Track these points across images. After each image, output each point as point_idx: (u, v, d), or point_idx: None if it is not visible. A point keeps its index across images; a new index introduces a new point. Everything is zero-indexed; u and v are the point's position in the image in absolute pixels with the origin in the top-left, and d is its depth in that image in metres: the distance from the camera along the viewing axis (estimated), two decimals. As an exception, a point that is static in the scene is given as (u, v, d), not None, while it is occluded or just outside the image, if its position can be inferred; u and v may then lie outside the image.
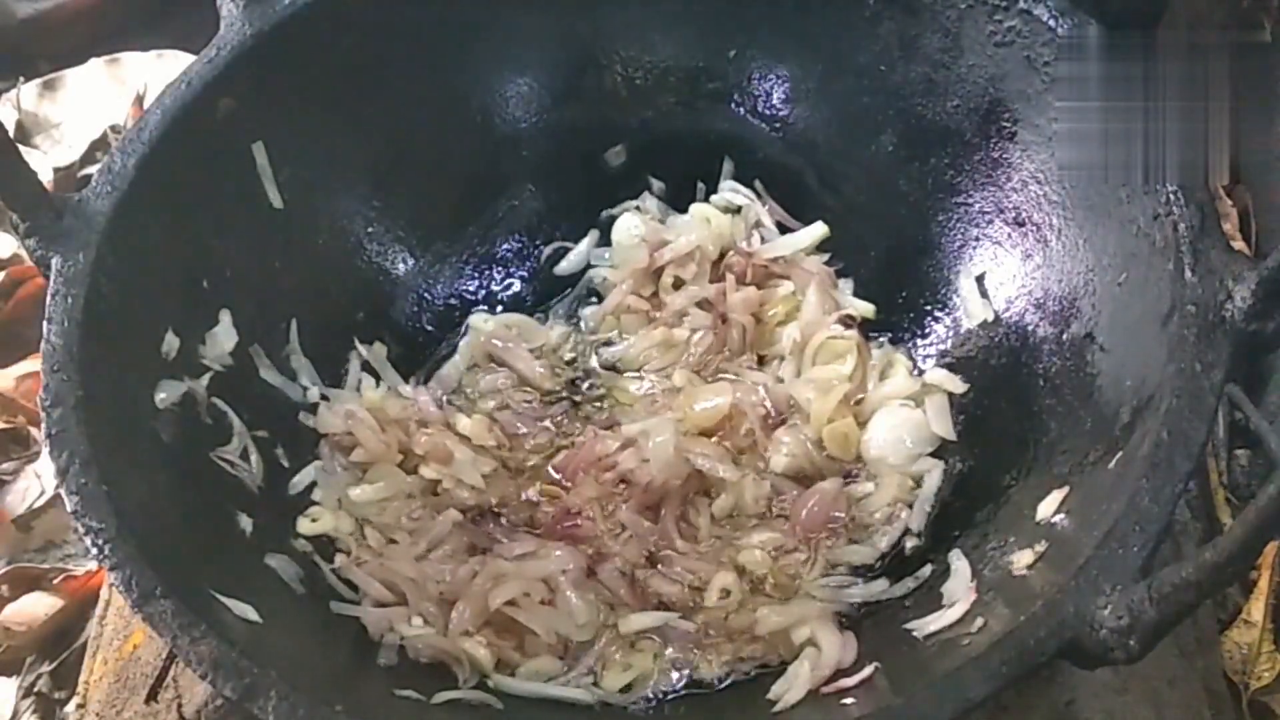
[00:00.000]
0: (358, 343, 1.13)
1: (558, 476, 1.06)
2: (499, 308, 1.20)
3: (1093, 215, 0.98)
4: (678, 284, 1.15)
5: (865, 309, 1.14)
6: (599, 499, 1.02)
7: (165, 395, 0.95)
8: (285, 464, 1.04)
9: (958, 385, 1.07)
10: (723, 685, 0.94)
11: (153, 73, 1.66)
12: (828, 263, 1.17)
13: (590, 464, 1.04)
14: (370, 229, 1.16)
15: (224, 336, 1.03)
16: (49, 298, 0.90)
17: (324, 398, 1.09)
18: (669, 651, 0.95)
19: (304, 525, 1.01)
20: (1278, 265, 0.81)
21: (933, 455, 1.05)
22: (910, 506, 1.03)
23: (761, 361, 1.13)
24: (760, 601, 0.97)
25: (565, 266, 1.21)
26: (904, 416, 1.07)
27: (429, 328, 1.18)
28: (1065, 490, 0.89)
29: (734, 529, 1.02)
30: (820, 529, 1.01)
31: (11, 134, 1.04)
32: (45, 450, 0.84)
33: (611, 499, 1.02)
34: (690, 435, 1.04)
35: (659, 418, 1.05)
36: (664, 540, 1.00)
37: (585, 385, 1.14)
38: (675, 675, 0.94)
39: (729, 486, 1.02)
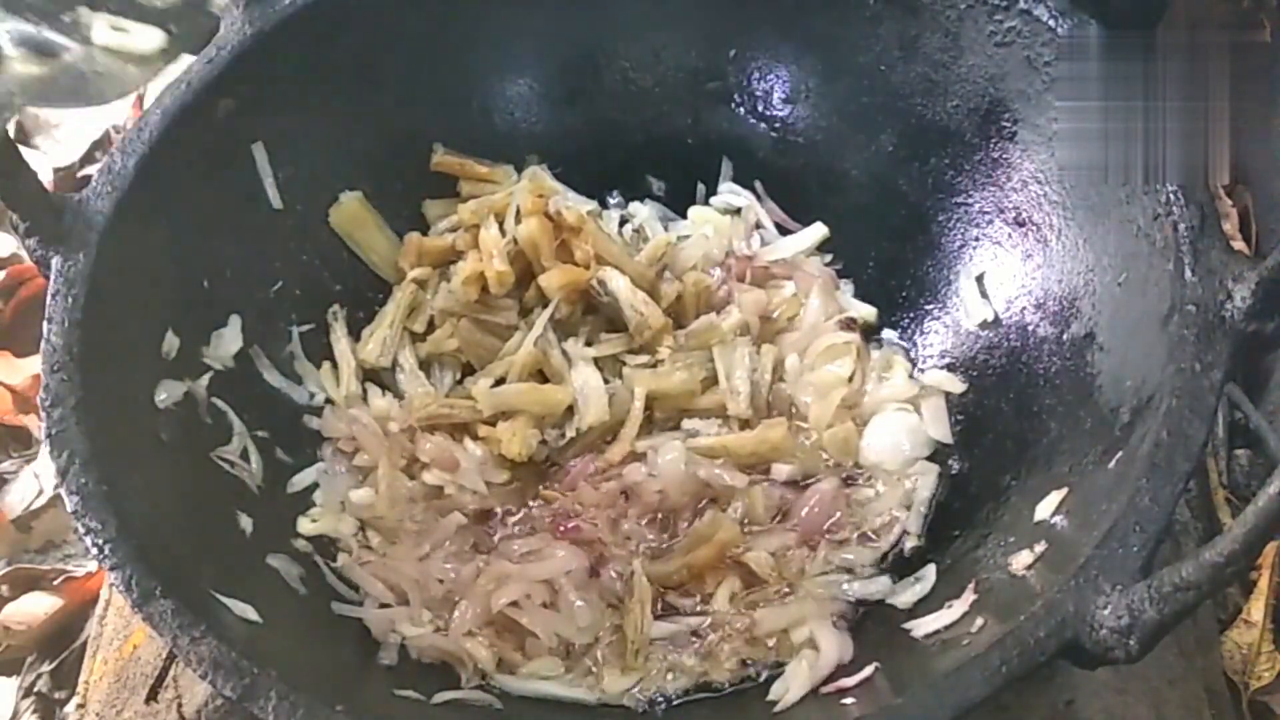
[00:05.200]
0: (357, 344, 1.12)
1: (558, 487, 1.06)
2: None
3: (1093, 215, 0.98)
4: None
5: (867, 312, 1.14)
6: (601, 507, 1.02)
7: (165, 395, 0.95)
8: (286, 464, 1.04)
9: (957, 385, 1.07)
10: (729, 689, 0.94)
11: (153, 73, 1.66)
12: (828, 263, 1.17)
13: (589, 475, 1.04)
14: (370, 229, 1.16)
15: (230, 338, 1.03)
16: (49, 298, 0.90)
17: (329, 401, 1.09)
18: (676, 657, 0.95)
19: (304, 525, 1.01)
20: (1278, 265, 0.81)
21: (931, 458, 1.06)
22: (908, 509, 1.03)
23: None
24: (761, 600, 0.98)
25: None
26: (901, 421, 1.07)
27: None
28: (1065, 491, 0.89)
29: (745, 535, 1.02)
30: (820, 530, 1.01)
31: (12, 134, 1.04)
32: (45, 450, 0.84)
33: (615, 509, 1.02)
34: (699, 451, 1.04)
35: (666, 435, 1.06)
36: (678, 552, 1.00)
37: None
38: (683, 680, 0.94)
39: (738, 495, 1.02)
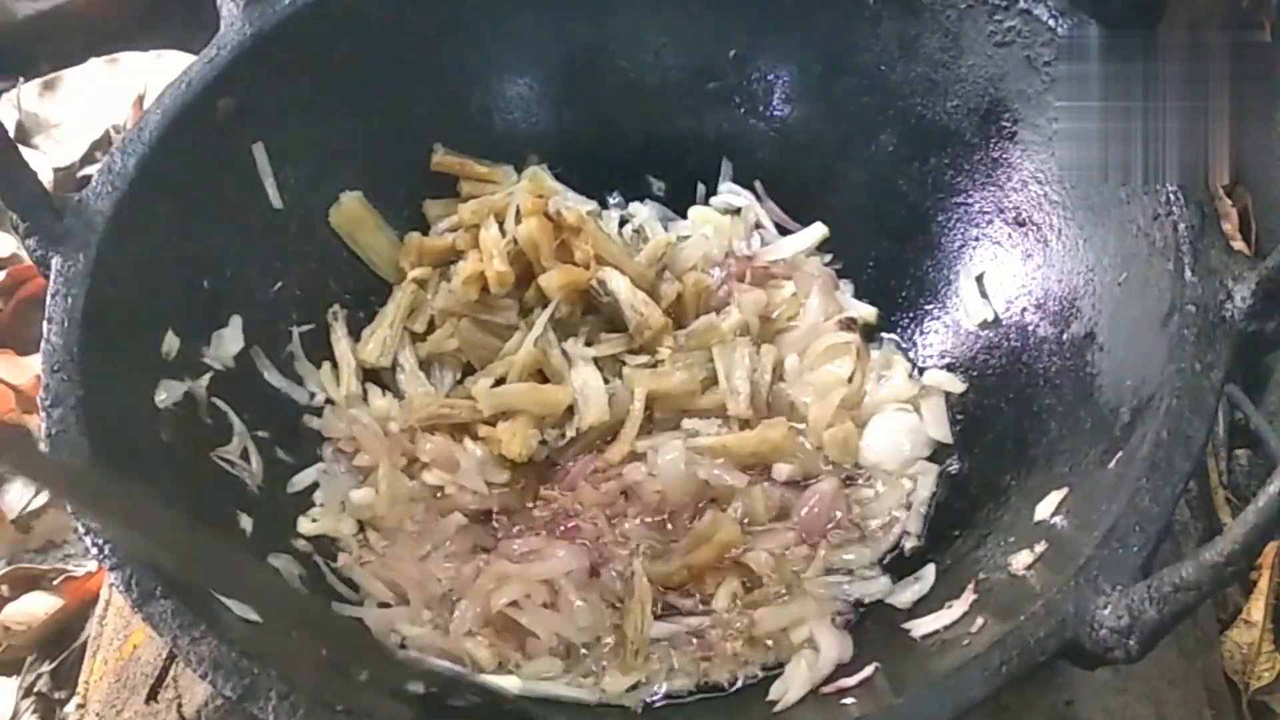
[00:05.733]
0: (357, 344, 1.12)
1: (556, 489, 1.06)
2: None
3: (1093, 215, 0.98)
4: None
5: (867, 313, 1.14)
6: (601, 507, 1.02)
7: (165, 395, 0.95)
8: (286, 464, 1.04)
9: (957, 385, 1.07)
10: (729, 689, 0.94)
11: (153, 73, 1.66)
12: (828, 263, 1.17)
13: (589, 475, 1.04)
14: (370, 229, 1.16)
15: (231, 338, 1.03)
16: (49, 298, 0.90)
17: (329, 401, 1.09)
18: (676, 657, 0.95)
19: (304, 525, 1.01)
20: (1278, 265, 0.81)
21: (931, 458, 1.06)
22: (908, 509, 1.03)
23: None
24: (761, 600, 0.97)
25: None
26: (901, 421, 1.07)
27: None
28: (1065, 491, 0.89)
29: (745, 535, 1.02)
30: (820, 530, 1.01)
31: (11, 134, 1.04)
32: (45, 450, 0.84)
33: (615, 508, 1.02)
34: (699, 450, 1.04)
35: (666, 435, 1.06)
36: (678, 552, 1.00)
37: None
38: (683, 680, 0.94)
39: (738, 495, 1.02)
